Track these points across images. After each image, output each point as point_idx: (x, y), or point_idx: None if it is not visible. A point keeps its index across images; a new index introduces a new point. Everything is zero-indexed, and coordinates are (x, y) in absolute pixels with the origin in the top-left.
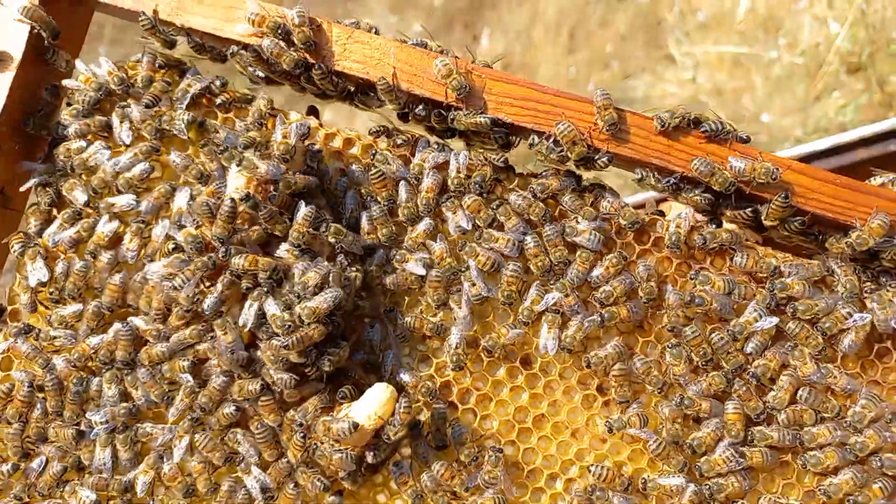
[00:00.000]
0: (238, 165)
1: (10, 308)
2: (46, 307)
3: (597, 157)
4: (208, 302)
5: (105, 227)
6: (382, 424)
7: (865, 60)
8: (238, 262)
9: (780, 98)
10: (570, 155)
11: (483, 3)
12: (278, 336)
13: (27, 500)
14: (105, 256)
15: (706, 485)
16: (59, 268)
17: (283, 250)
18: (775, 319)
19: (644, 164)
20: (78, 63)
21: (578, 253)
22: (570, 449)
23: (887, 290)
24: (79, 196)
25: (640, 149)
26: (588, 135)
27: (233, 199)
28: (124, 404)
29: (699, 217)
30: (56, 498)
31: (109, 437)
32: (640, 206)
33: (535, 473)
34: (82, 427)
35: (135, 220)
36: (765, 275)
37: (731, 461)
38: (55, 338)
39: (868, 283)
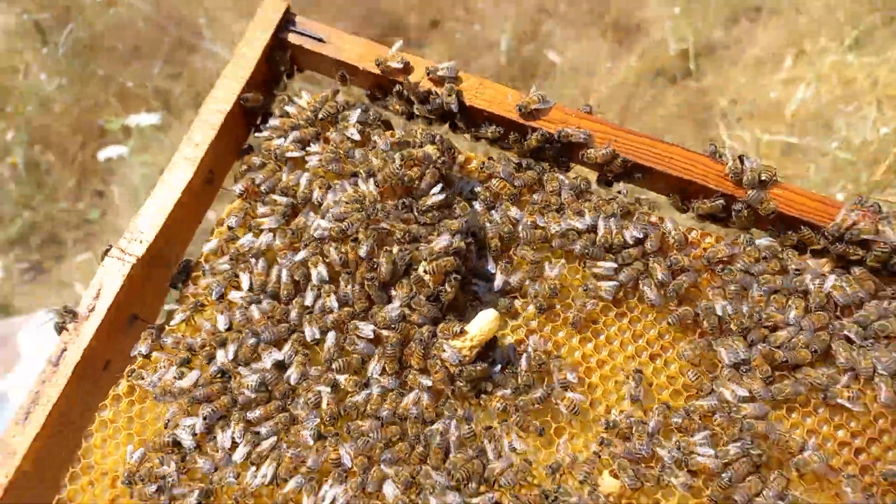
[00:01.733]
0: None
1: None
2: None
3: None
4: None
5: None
6: (490, 339)
7: None
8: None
9: (834, 188)
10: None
11: (535, 74)
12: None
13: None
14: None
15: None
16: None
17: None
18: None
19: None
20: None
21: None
22: (622, 389)
23: None
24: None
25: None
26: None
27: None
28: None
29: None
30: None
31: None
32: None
33: (593, 405)
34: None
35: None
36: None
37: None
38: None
39: None
